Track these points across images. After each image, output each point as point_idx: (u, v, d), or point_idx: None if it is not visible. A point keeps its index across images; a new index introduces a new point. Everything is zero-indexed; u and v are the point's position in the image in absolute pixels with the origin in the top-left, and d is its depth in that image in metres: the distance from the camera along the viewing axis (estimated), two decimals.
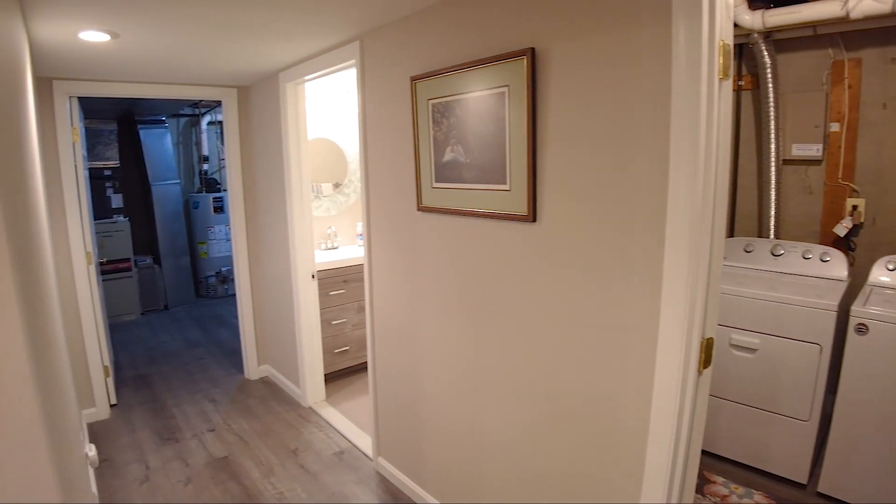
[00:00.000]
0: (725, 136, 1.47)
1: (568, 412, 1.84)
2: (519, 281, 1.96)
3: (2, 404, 1.05)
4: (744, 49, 3.35)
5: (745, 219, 3.56)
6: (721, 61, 1.40)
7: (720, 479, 2.79)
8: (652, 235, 1.51)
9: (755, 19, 2.91)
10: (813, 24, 2.88)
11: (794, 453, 2.69)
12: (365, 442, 3.33)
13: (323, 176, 4.60)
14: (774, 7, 2.87)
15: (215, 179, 7.41)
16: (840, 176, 3.10)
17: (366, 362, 4.41)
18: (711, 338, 1.55)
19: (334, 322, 4.14)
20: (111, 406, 3.93)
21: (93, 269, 3.69)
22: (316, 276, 3.84)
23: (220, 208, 7.01)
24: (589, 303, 1.72)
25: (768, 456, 2.78)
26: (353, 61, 2.76)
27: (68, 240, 3.52)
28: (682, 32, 1.37)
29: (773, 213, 3.32)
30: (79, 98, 3.75)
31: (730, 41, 1.44)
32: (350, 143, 4.74)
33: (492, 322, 2.11)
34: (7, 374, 1.04)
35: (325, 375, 4.06)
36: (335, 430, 3.54)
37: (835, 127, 3.09)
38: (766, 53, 3.13)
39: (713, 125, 1.40)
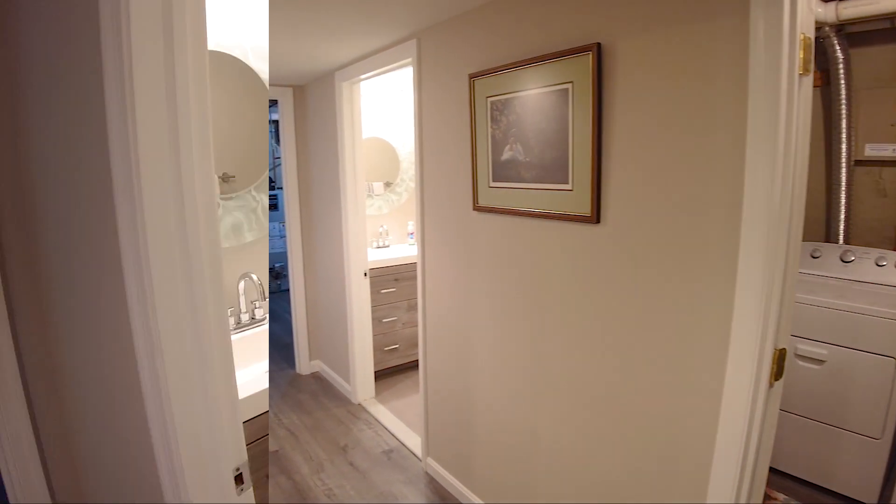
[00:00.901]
0: (804, 135, 1.39)
1: (630, 420, 1.79)
2: (579, 283, 1.91)
3: None
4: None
5: (811, 222, 3.39)
6: (802, 56, 1.32)
7: (782, 497, 2.66)
8: (725, 240, 1.44)
9: (828, 12, 2.76)
10: (891, 17, 2.72)
11: (863, 472, 2.54)
12: (413, 441, 3.33)
13: (375, 175, 4.63)
14: None
15: (269, 177, 7.55)
16: None
17: (415, 361, 4.41)
18: (784, 348, 1.46)
19: (385, 320, 4.16)
20: None
21: None
22: (368, 274, 3.86)
23: (274, 206, 7.14)
24: (656, 308, 1.66)
25: (834, 474, 2.64)
26: (409, 59, 2.75)
27: None
28: (760, 25, 1.30)
29: (842, 216, 3.14)
30: None
31: (811, 34, 1.36)
32: (402, 142, 4.75)
33: (549, 325, 2.07)
34: None
35: (374, 373, 4.08)
36: (384, 427, 3.55)
37: None
38: (838, 48, 2.97)
39: (792, 123, 1.32)
